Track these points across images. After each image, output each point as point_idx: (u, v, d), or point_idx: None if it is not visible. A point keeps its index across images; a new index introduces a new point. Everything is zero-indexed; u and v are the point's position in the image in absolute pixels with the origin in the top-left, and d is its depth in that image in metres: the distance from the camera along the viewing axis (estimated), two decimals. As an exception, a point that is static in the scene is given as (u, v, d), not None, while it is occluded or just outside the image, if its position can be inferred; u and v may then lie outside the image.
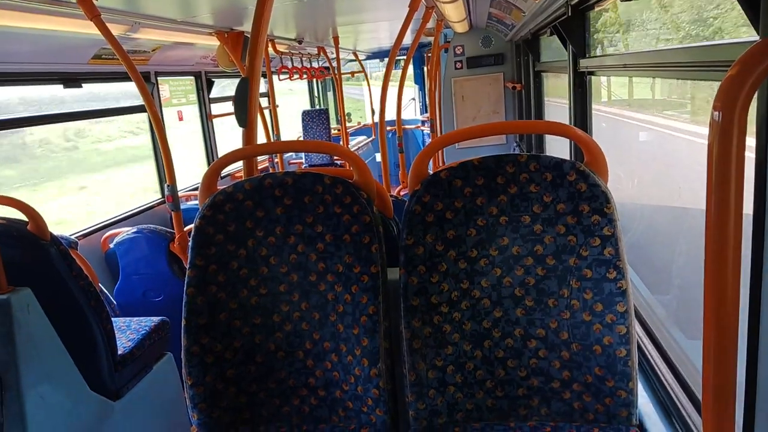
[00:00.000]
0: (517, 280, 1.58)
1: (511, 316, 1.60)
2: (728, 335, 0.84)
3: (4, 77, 3.51)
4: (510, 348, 1.61)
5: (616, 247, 1.49)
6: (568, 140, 3.29)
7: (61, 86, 3.99)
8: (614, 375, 1.51)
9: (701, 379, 0.88)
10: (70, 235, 3.79)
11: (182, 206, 3.95)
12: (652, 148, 2.92)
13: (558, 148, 4.85)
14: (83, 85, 4.14)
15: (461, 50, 7.51)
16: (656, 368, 2.04)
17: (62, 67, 3.90)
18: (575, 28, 3.13)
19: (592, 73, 3.09)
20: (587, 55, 3.14)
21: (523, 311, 1.59)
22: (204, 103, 6.02)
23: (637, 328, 2.22)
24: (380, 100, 4.49)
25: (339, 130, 7.84)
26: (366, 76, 9.56)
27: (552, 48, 4.68)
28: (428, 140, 9.07)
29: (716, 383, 0.86)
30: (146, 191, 5.45)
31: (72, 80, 4.03)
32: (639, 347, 2.13)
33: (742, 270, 0.83)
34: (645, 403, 1.95)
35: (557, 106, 4.68)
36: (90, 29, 3.05)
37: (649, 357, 2.13)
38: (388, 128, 7.09)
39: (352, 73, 10.19)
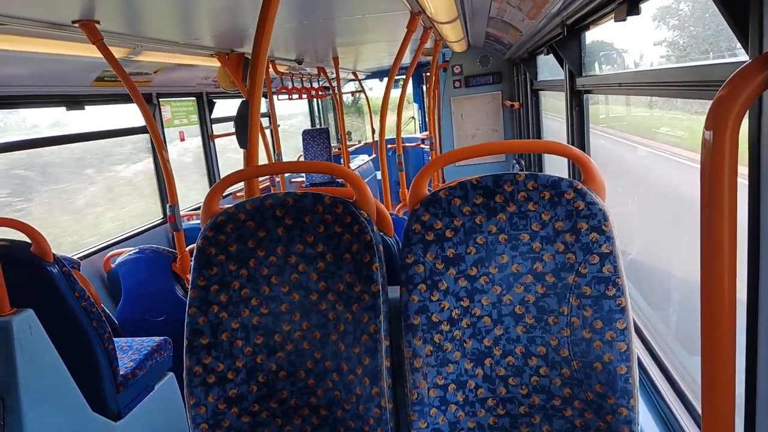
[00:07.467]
0: (517, 297, 1.59)
1: (512, 333, 1.60)
2: (726, 350, 0.85)
3: (6, 100, 3.55)
4: (511, 366, 1.61)
5: (615, 264, 1.50)
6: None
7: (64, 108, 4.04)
8: (615, 392, 1.50)
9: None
10: (73, 256, 3.81)
11: (184, 225, 3.97)
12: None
13: (557, 164, 4.88)
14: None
15: (459, 69, 7.60)
16: (657, 385, 2.03)
17: (65, 89, 3.94)
18: (571, 48, 3.18)
19: (588, 92, 3.13)
20: (583, 74, 3.18)
21: (523, 329, 1.59)
22: (205, 123, 6.07)
23: (638, 345, 2.22)
24: (380, 119, 4.52)
25: (339, 148, 7.88)
26: (366, 96, 9.64)
27: (549, 66, 4.73)
28: (428, 158, 9.11)
29: (715, 398, 0.87)
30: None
31: (74, 102, 4.06)
32: (640, 364, 2.13)
33: (738, 286, 0.84)
34: (646, 421, 1.94)
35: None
36: (93, 52, 3.08)
37: (650, 374, 2.13)
38: (389, 146, 7.12)
39: (353, 93, 10.25)
